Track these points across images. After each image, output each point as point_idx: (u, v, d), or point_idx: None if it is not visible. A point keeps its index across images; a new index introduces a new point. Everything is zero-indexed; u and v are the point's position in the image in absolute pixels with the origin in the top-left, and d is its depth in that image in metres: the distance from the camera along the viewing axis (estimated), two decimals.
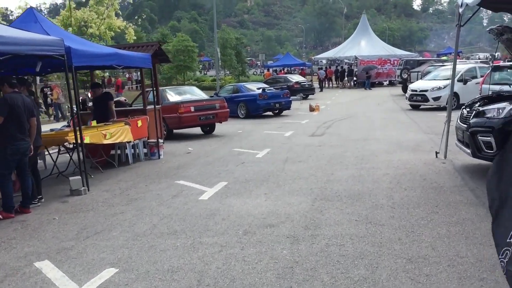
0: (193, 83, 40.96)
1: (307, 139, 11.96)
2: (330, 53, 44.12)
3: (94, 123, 9.04)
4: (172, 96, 13.75)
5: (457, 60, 30.24)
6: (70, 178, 7.34)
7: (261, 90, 19.00)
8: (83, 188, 7.25)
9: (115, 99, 12.45)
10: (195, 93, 14.36)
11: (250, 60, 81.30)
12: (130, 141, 9.51)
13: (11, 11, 50.02)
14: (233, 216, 5.67)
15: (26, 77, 9.57)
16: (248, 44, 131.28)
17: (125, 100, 12.31)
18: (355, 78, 38.68)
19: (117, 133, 9.07)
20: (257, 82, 24.21)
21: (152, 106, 10.88)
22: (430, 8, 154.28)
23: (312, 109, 20.72)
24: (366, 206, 5.78)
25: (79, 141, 7.27)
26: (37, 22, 7.97)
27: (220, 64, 30.33)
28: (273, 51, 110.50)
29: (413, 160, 8.53)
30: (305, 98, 29.60)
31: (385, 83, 40.63)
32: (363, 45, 40.32)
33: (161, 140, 10.30)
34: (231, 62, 33.79)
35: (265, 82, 30.58)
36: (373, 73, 36.68)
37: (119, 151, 9.91)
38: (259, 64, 57.65)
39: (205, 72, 49.62)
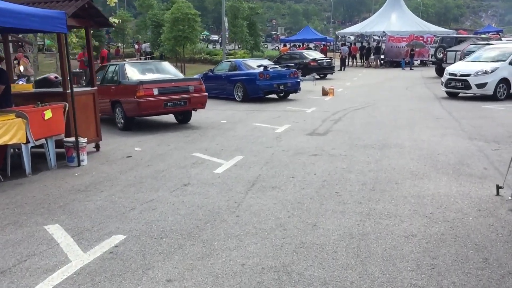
0: (205, 56, 37.69)
1: (302, 141, 8.61)
2: (356, 28, 39.92)
3: None
4: (134, 73, 10.50)
5: (504, 39, 25.89)
6: None
7: (262, 68, 15.55)
8: None
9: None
10: (165, 71, 11.05)
11: (275, 34, 77.18)
12: (25, 142, 6.35)
13: None
14: None
15: None
16: (274, 17, 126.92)
17: (56, 77, 9.19)
18: (382, 56, 34.64)
19: (1, 129, 5.94)
20: (262, 58, 20.71)
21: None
22: None
23: (325, 93, 17.22)
24: None
25: None
26: None
27: (228, 36, 26.85)
28: (300, 25, 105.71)
29: (458, 198, 5.13)
30: (323, 77, 26.02)
31: (416, 62, 36.45)
32: (394, 20, 36.03)
33: (82, 140, 7.08)
34: (242, 35, 30.19)
35: (279, 58, 27.15)
36: (424, 51, 32.51)
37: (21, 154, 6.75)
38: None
39: (214, 45, 45.96)
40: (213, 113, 12.96)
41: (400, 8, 36.92)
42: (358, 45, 38.21)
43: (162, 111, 10.16)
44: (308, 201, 5.13)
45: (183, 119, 11.29)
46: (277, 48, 46.45)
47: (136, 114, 9.98)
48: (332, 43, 42.02)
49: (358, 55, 36.53)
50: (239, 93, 15.80)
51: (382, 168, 6.42)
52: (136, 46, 39.32)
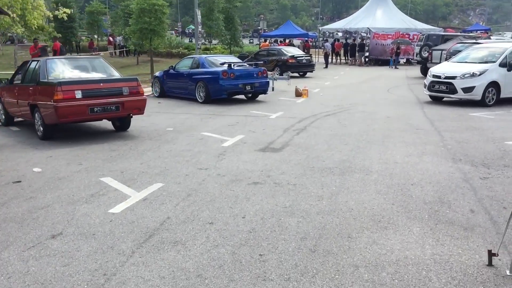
0: (182, 51, 35.83)
1: (248, 160, 6.95)
2: (340, 24, 38.22)
3: None
4: (55, 71, 8.74)
5: (493, 38, 24.29)
6: None
7: (226, 66, 13.85)
8: None
9: None
10: (98, 69, 9.30)
11: (262, 29, 75.42)
12: None
13: None
14: None
15: None
16: (263, 12, 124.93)
17: None
18: (366, 54, 33.09)
19: None
20: (229, 55, 19.00)
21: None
22: None
23: (298, 94, 15.59)
24: None
25: None
26: None
27: (202, 30, 25.06)
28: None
29: (432, 269, 3.52)
30: (303, 75, 24.44)
31: (402, 61, 34.97)
32: (379, 16, 34.44)
33: None
34: (218, 28, 28.39)
35: (256, 55, 25.51)
36: (410, 49, 30.84)
37: None
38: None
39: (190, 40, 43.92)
40: (163, 118, 11.27)
41: (385, 4, 35.34)
42: (343, 41, 36.57)
43: (87, 118, 8.43)
44: (214, 272, 3.48)
45: (121, 126, 9.56)
46: (252, 43, 44.76)
47: (54, 122, 8.21)
48: (314, 39, 40.35)
49: (342, 52, 34.91)
50: (201, 94, 14.12)
51: (336, 209, 4.78)
52: (111, 39, 37.31)
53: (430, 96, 13.75)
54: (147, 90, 17.12)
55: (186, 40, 43.11)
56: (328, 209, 4.78)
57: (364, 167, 6.44)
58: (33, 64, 9.17)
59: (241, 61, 16.14)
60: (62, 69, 8.90)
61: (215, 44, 36.37)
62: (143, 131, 9.54)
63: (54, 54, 17.83)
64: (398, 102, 13.77)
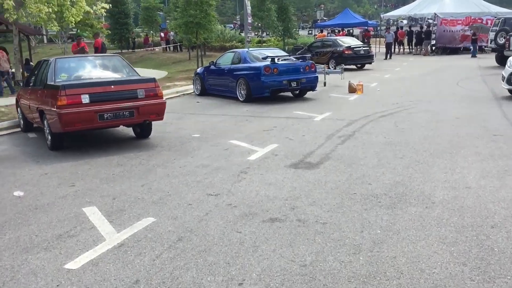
0: (236, 44, 34.69)
1: (274, 180, 5.54)
2: (404, 10, 35.45)
3: None
4: (63, 72, 7.74)
5: None
6: None
7: (268, 60, 12.42)
8: None
9: None
10: (113, 69, 8.22)
11: (319, 19, 73.02)
12: None
13: None
14: None
15: None
16: (323, 2, 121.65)
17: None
18: (433, 42, 30.34)
19: None
20: (275, 48, 17.48)
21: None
22: None
23: (352, 90, 13.89)
24: None
25: None
26: None
27: (251, 21, 23.72)
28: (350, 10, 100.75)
29: None
30: (361, 67, 22.53)
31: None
32: (448, 0, 31.48)
33: None
34: (270, 20, 26.91)
35: (310, 46, 23.85)
36: (483, 36, 27.74)
37: None
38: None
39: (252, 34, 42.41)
40: (194, 121, 10.08)
41: None
42: (407, 29, 33.92)
43: (96, 125, 7.32)
44: None
45: (141, 132, 8.43)
46: (311, 34, 42.81)
47: (59, 130, 7.18)
48: (376, 27, 37.85)
49: (405, 41, 32.33)
50: (241, 92, 12.81)
51: (377, 272, 3.28)
52: (162, 35, 36.90)
53: (510, 91, 11.59)
54: (189, 87, 16.10)
55: (253, 34, 41.92)
56: (366, 272, 3.28)
57: (424, 194, 4.82)
58: (45, 64, 8.23)
59: (287, 54, 14.64)
60: (73, 70, 7.89)
61: (268, 36, 34.91)
62: (166, 138, 8.35)
63: (95, 52, 17.16)
64: (470, 99, 11.74)
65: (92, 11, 16.15)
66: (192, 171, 6.10)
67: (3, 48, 15.41)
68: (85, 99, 7.02)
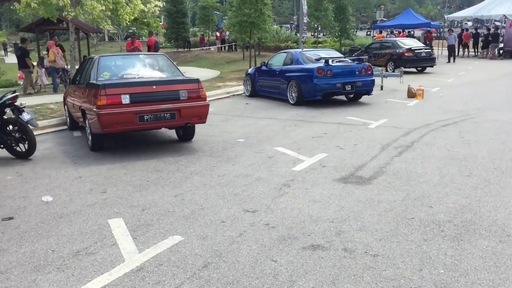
0: (291, 45, 34.11)
1: (320, 197, 4.96)
2: (470, 11, 33.42)
3: None
4: (106, 70, 7.49)
5: None
6: None
7: (322, 62, 11.78)
8: None
9: None
10: (158, 68, 7.90)
11: (379, 20, 71.02)
12: None
13: None
14: None
15: None
16: (383, 3, 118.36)
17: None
18: (501, 45, 28.37)
19: None
20: (328, 49, 16.69)
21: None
22: None
23: (411, 95, 12.98)
24: None
25: None
26: None
27: (306, 21, 23.05)
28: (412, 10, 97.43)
29: None
30: (422, 71, 21.34)
31: None
32: None
33: None
34: (326, 20, 26.07)
35: (367, 48, 22.88)
36: None
37: None
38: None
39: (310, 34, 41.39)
40: (240, 124, 9.64)
41: None
42: (472, 31, 32.03)
43: (136, 127, 7.00)
44: None
45: (184, 134, 8.06)
46: (369, 35, 41.39)
47: (98, 131, 6.92)
48: (439, 29, 36.01)
49: (471, 44, 30.47)
50: (292, 94, 12.25)
51: None
52: (217, 34, 36.91)
53: None
54: (240, 88, 15.71)
55: (309, 34, 41.04)
56: None
57: (497, 224, 4.08)
58: (90, 62, 8.04)
59: (342, 55, 13.90)
60: (116, 69, 7.63)
61: (325, 36, 34.06)
62: (209, 142, 7.94)
63: (148, 50, 17.16)
64: None
65: (146, 9, 16.05)
66: (231, 181, 5.62)
67: (60, 45, 15.65)
68: (125, 99, 6.72)
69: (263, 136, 8.32)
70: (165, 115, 6.99)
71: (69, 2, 13.65)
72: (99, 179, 5.85)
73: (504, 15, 27.85)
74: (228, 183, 5.55)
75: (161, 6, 16.43)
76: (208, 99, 13.53)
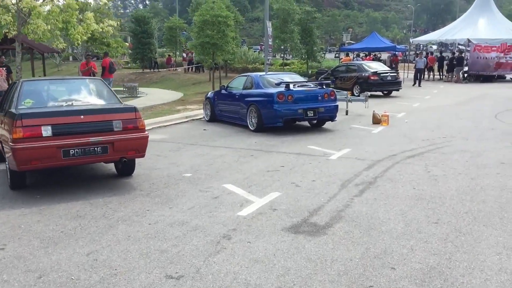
0: (259, 66, 33.61)
1: (259, 258, 4.16)
2: (435, 35, 33.77)
3: None
4: (28, 97, 6.55)
5: None
6: None
7: (283, 87, 11.10)
8: None
9: None
10: (94, 92, 7.00)
11: (345, 42, 71.73)
12: None
13: None
14: None
15: None
16: (351, 26, 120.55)
17: None
18: (465, 69, 28.56)
19: None
20: (289, 73, 16.10)
21: None
22: None
23: (377, 120, 12.40)
24: None
25: None
26: None
27: (271, 43, 22.54)
28: (379, 34, 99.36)
29: None
30: (387, 94, 21.03)
31: (509, 76, 29.99)
32: (482, 25, 29.73)
33: None
34: (292, 42, 25.68)
35: (333, 71, 22.48)
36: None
37: None
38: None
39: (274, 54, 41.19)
40: (191, 154, 8.79)
41: (490, 12, 30.50)
42: (437, 55, 32.32)
43: (61, 163, 6.04)
44: None
45: (123, 169, 7.13)
46: (337, 57, 41.46)
47: (15, 168, 5.94)
48: (404, 52, 36.26)
49: (435, 67, 30.64)
50: (252, 120, 11.49)
51: None
52: (184, 55, 36.18)
53: None
54: (200, 112, 14.89)
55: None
56: None
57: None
58: (15, 86, 7.07)
59: (304, 80, 13.28)
60: (41, 95, 6.69)
61: (293, 58, 33.76)
62: (151, 177, 7.04)
63: (103, 72, 16.20)
64: None
65: (100, 29, 15.15)
66: (161, 231, 4.73)
67: (6, 66, 14.53)
68: (47, 131, 5.79)
69: (213, 170, 7.48)
70: (96, 148, 6.08)
71: (11, 20, 12.64)
72: (3, 230, 4.87)
73: (468, 39, 28.11)
74: (157, 234, 4.66)
75: (115, 25, 15.57)
76: (165, 124, 12.94)
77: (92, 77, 7.89)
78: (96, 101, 6.84)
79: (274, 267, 3.86)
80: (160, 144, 9.80)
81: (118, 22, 17.18)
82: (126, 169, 7.08)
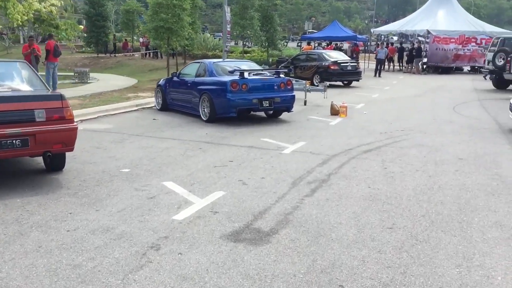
0: (219, 53, 32.74)
1: (189, 275, 3.60)
2: (395, 26, 33.84)
3: None
4: None
5: None
6: None
7: (237, 75, 10.48)
8: None
9: None
10: (16, 77, 6.18)
11: (307, 31, 71.53)
12: None
13: None
14: None
15: None
16: (314, 15, 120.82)
17: None
18: (424, 60, 28.74)
19: None
20: (245, 60, 15.50)
21: None
22: None
23: (335, 112, 11.99)
24: None
25: None
26: None
27: (230, 29, 21.84)
28: (341, 23, 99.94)
29: None
30: (347, 84, 20.76)
31: (466, 68, 30.44)
32: (441, 17, 29.90)
33: None
34: (252, 29, 25.02)
35: (293, 59, 21.98)
36: (477, 55, 26.27)
37: None
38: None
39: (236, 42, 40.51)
40: (135, 146, 8.08)
41: (449, 4, 30.70)
42: (397, 46, 32.43)
43: None
44: None
45: (52, 163, 6.36)
46: (299, 46, 41.14)
47: None
48: (365, 43, 36.23)
49: (396, 58, 30.71)
50: (205, 109, 10.82)
51: None
52: (141, 40, 34.88)
53: None
54: (152, 100, 14.08)
55: (232, 43, 39.76)
56: None
57: None
58: None
59: (260, 68, 12.68)
60: None
61: (252, 47, 33.13)
62: (83, 173, 6.31)
63: (47, 55, 15.08)
64: (471, 129, 9.90)
65: (43, 8, 14.04)
66: (80, 240, 4.08)
67: None
68: None
69: (155, 165, 6.82)
70: (14, 141, 5.32)
71: None
72: None
73: (428, 31, 28.22)
74: (74, 243, 4.01)
75: (59, 5, 14.47)
76: (112, 112, 12.08)
77: (14, 60, 6.96)
78: (17, 87, 6.03)
79: (204, 287, 3.29)
80: (102, 135, 9.04)
81: (62, 2, 15.99)
82: (55, 164, 6.33)
